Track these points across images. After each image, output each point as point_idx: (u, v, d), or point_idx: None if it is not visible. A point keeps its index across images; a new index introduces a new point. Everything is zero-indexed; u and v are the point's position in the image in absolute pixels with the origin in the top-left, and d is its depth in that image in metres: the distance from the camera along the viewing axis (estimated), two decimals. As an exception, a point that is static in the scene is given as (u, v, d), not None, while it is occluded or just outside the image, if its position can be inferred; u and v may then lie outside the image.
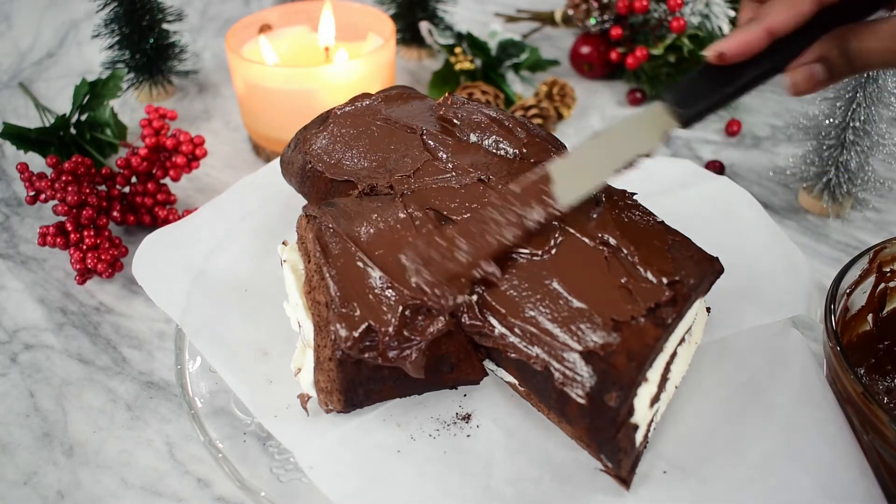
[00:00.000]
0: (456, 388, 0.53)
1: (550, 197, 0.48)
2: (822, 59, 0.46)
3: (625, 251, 0.48)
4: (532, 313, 0.46)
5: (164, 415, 0.61)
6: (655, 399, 0.47)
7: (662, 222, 0.52)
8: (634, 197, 0.55)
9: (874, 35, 0.45)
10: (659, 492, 0.46)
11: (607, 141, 0.49)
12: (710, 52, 0.47)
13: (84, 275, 0.72)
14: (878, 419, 0.46)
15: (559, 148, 0.58)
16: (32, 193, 0.74)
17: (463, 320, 0.48)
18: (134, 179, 0.80)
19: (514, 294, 0.47)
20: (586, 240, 0.49)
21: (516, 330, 0.46)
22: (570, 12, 1.07)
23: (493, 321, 0.47)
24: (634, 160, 0.49)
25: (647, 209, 0.53)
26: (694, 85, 0.47)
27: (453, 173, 0.54)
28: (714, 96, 0.47)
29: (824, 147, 0.78)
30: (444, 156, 0.56)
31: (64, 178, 0.73)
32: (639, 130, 0.49)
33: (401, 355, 0.47)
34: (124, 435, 0.60)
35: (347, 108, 0.63)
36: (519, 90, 1.01)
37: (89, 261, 0.71)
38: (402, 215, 0.51)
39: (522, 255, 0.48)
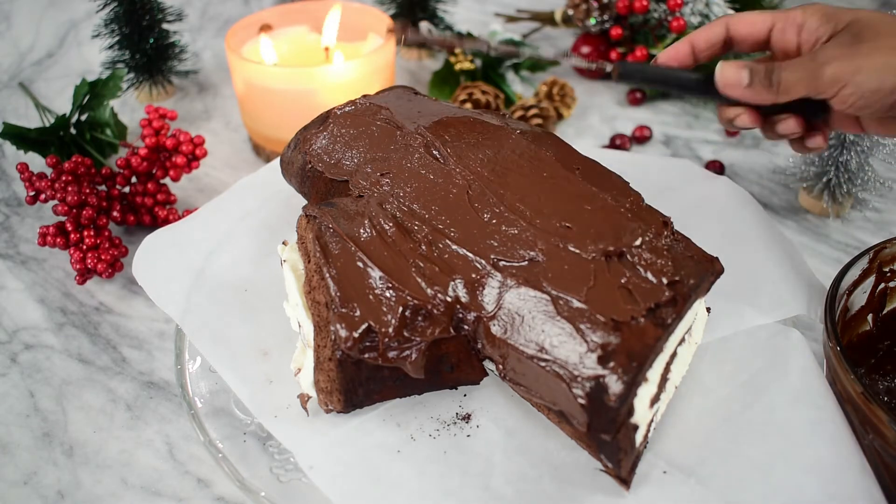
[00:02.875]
0: (456, 388, 0.53)
1: None
2: (750, 68, 0.54)
3: (625, 251, 0.48)
4: (532, 314, 0.46)
5: (164, 415, 0.61)
6: (655, 399, 0.47)
7: (663, 222, 0.52)
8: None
9: (792, 66, 0.52)
10: (659, 492, 0.46)
11: None
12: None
13: (84, 275, 0.72)
14: (878, 419, 0.46)
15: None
16: (32, 193, 0.74)
17: (463, 328, 0.48)
18: (134, 179, 0.80)
19: (514, 295, 0.47)
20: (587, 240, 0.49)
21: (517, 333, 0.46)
22: (570, 12, 1.07)
23: (493, 326, 0.47)
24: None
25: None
26: (644, 64, 0.60)
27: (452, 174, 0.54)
28: (651, 71, 0.58)
29: (824, 147, 0.78)
30: (445, 156, 0.56)
31: (64, 178, 0.73)
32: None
33: (401, 356, 0.47)
34: (124, 435, 0.60)
35: (347, 108, 0.63)
36: (519, 90, 1.01)
37: (89, 261, 0.71)
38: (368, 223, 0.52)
39: (522, 257, 0.48)
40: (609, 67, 0.59)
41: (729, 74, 0.54)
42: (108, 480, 0.56)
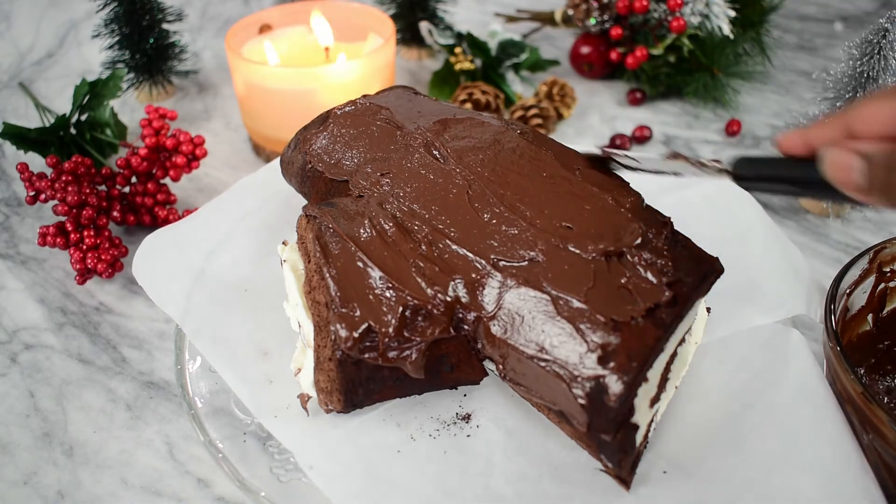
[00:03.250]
0: (456, 388, 0.53)
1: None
2: (867, 161, 0.39)
3: (625, 251, 0.48)
4: (532, 315, 0.46)
5: (164, 415, 0.61)
6: (655, 399, 0.47)
7: (662, 222, 0.51)
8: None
9: None
10: (659, 492, 0.46)
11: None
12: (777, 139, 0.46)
13: (84, 275, 0.72)
14: (878, 419, 0.46)
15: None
16: (32, 193, 0.74)
17: (463, 328, 0.48)
18: (134, 179, 0.80)
19: (514, 295, 0.47)
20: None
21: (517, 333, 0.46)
22: (570, 12, 1.07)
23: (493, 326, 0.47)
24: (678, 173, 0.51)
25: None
26: (762, 159, 0.47)
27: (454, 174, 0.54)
28: (768, 168, 0.46)
29: (824, 147, 0.78)
30: (445, 156, 0.56)
31: (64, 178, 0.73)
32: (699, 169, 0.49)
33: (401, 355, 0.47)
34: (124, 435, 0.60)
35: (347, 108, 0.63)
36: (519, 90, 1.01)
37: (89, 261, 0.71)
38: (368, 224, 0.52)
39: (522, 257, 0.48)
40: (720, 165, 0.48)
41: (837, 160, 0.40)
42: (108, 480, 0.56)
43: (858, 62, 0.72)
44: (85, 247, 0.72)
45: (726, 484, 0.46)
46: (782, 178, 0.46)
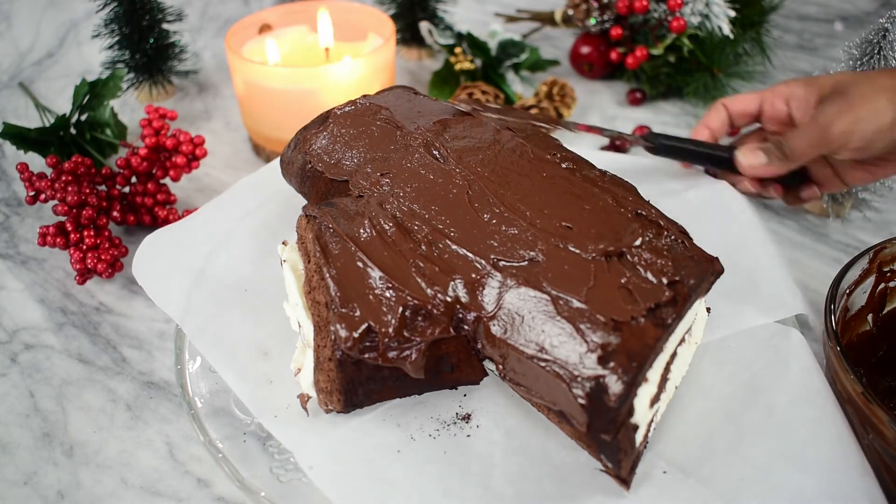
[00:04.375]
0: (456, 388, 0.53)
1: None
2: (763, 148, 0.64)
3: (625, 251, 0.48)
4: (532, 314, 0.46)
5: (164, 415, 0.61)
6: (655, 399, 0.47)
7: (662, 222, 0.51)
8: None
9: (799, 134, 0.61)
10: (659, 492, 0.46)
11: None
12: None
13: (84, 275, 0.72)
14: (878, 419, 0.46)
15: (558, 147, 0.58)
16: (32, 193, 0.74)
17: (463, 328, 0.48)
18: (134, 179, 0.80)
19: (514, 295, 0.47)
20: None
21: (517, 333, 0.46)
22: (570, 12, 1.07)
23: (493, 326, 0.47)
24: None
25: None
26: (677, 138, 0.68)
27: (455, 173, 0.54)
28: (677, 142, 0.68)
29: (824, 147, 0.78)
30: (445, 156, 0.56)
31: (64, 178, 0.73)
32: None
33: (401, 356, 0.47)
34: (124, 435, 0.60)
35: (347, 108, 0.63)
36: (519, 90, 1.01)
37: (89, 261, 0.71)
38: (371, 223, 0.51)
39: (522, 257, 0.48)
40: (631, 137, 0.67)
41: (748, 159, 0.64)
42: (108, 480, 0.56)
43: (858, 62, 0.72)
44: (85, 247, 0.72)
45: (726, 484, 0.46)
46: (692, 153, 0.68)
